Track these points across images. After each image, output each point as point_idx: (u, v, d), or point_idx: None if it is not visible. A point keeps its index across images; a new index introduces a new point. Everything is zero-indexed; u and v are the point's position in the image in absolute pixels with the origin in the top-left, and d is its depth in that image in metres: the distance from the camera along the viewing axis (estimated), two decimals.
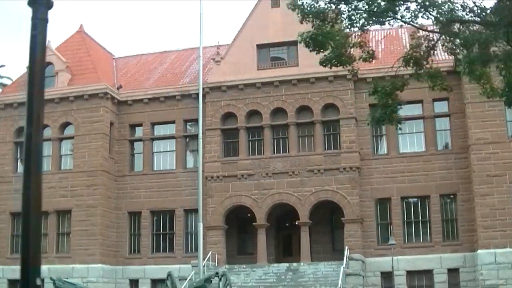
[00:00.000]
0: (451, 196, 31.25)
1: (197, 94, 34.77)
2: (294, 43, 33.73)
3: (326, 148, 32.44)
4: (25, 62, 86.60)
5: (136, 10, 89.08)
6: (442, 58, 32.75)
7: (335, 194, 31.41)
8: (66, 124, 35.25)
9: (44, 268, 32.21)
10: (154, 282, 33.42)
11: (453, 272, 30.01)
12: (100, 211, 33.44)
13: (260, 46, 34.35)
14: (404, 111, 32.05)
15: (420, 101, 32.27)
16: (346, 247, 29.91)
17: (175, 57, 40.79)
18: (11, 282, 33.92)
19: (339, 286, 26.11)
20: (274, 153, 32.96)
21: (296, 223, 32.34)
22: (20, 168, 35.88)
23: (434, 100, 32.11)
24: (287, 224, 34.51)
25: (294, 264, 30.23)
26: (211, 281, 20.87)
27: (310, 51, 15.98)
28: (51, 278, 24.22)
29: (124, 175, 35.14)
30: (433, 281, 30.20)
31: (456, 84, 31.43)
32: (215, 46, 40.87)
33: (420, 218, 31.55)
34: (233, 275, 29.64)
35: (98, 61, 38.33)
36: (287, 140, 33.08)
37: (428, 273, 30.33)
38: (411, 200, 31.74)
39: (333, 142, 32.72)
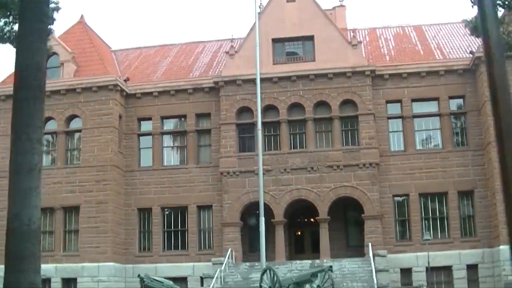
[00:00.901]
0: (469, 193, 31.53)
1: (210, 88, 34.09)
2: (310, 38, 33.69)
3: (344, 144, 32.25)
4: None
5: (127, 3, 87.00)
6: (457, 56, 33.18)
7: (354, 190, 31.26)
8: (72, 117, 33.91)
9: (50, 267, 31.11)
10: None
11: (472, 268, 30.30)
12: (111, 207, 32.30)
13: (275, 41, 33.88)
14: (421, 108, 32.50)
15: (436, 99, 32.49)
16: (369, 244, 29.79)
17: (178, 51, 39.87)
18: None
19: (375, 282, 25.94)
20: (290, 148, 32.57)
21: (312, 219, 32.18)
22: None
23: (450, 97, 32.38)
24: (298, 220, 34.20)
25: (317, 261, 29.89)
26: (317, 276, 19.99)
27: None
28: (139, 276, 23.01)
29: (133, 170, 34.07)
30: (452, 277, 30.42)
31: (472, 82, 31.88)
32: (218, 41, 40.33)
33: (437, 214, 31.73)
34: (255, 273, 29.07)
35: (101, 53, 37.05)
36: (305, 136, 32.75)
37: (447, 269, 30.53)
38: (429, 196, 31.84)
39: (351, 138, 32.55)
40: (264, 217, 32.47)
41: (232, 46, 34.46)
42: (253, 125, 33.04)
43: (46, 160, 33.98)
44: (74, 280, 31.76)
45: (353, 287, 26.72)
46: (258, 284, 26.37)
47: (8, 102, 34.11)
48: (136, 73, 36.86)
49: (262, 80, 32.56)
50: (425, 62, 32.90)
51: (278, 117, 32.75)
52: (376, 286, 20.56)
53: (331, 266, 20.64)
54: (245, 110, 33.31)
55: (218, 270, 28.44)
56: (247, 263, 30.27)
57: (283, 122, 32.68)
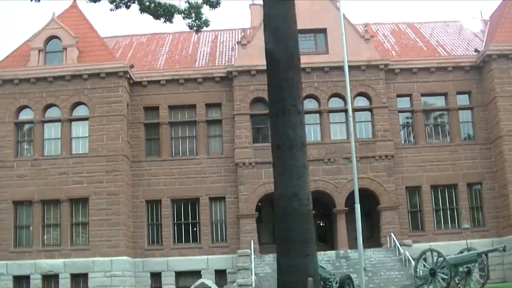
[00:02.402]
0: (477, 185, 32.80)
1: (221, 78, 33.46)
2: (322, 31, 33.86)
3: (358, 136, 32.62)
4: (21, 33, 78.08)
5: None
6: (461, 54, 34.41)
7: (371, 182, 31.70)
8: (77, 104, 32.17)
9: (58, 262, 29.60)
10: (179, 274, 31.56)
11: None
12: (123, 199, 30.94)
13: None
14: (429, 103, 33.42)
15: (445, 94, 33.55)
16: (392, 234, 30.35)
17: (172, 40, 38.80)
18: (17, 278, 30.34)
19: (414, 269, 26.42)
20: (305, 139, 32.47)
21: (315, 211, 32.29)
22: (22, 151, 32.33)
23: (458, 93, 33.54)
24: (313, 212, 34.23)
25: (341, 251, 30.07)
26: (481, 256, 19.58)
27: None
28: None
29: (140, 160, 32.81)
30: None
31: (479, 78, 33.20)
32: (212, 31, 39.66)
33: (447, 205, 32.77)
34: None
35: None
36: (319, 127, 32.84)
37: None
38: (440, 188, 32.82)
39: (364, 131, 32.99)
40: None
41: (244, 36, 33.96)
42: (268, 115, 32.75)
43: (48, 149, 32.18)
44: (84, 276, 30.12)
45: (391, 276, 27.07)
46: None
47: (5, 87, 32.15)
48: (135, 61, 35.46)
49: None
50: (434, 58, 33.89)
51: None
52: (419, 274, 20.87)
53: (504, 246, 20.11)
54: (258, 101, 32.94)
55: (252, 262, 27.91)
56: (270, 255, 29.89)
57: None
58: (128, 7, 14.44)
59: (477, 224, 32.42)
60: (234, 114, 32.49)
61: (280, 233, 10.63)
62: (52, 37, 33.00)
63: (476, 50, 33.81)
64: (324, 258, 29.41)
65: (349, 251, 30.06)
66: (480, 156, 32.71)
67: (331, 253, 30.00)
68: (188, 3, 14.60)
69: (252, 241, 30.26)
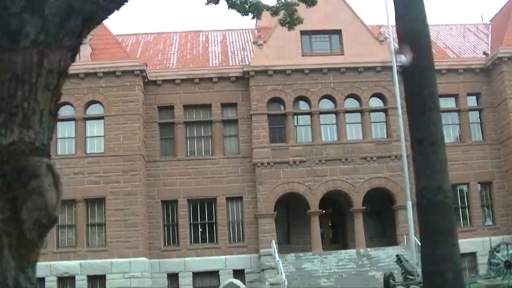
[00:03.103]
0: (488, 184, 33.56)
1: (236, 77, 33.36)
2: (337, 32, 34.13)
3: (374, 136, 32.97)
4: None
5: None
6: (472, 56, 35.19)
7: (387, 181, 32.09)
8: (91, 103, 31.54)
9: (75, 264, 28.91)
10: (196, 275, 31.23)
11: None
12: (141, 199, 30.47)
13: (302, 33, 33.84)
14: (441, 103, 34.00)
15: (455, 95, 34.23)
16: (410, 232, 30.69)
17: (180, 39, 38.44)
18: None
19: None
20: (321, 139, 32.71)
21: (324, 211, 32.63)
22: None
23: (468, 94, 34.27)
24: (323, 211, 34.34)
25: (361, 249, 30.28)
26: None
27: None
28: (397, 255, 21.46)
29: (155, 160, 32.36)
30: (476, 262, 32.19)
31: (487, 80, 34.01)
32: (218, 31, 39.56)
33: (459, 204, 33.40)
34: (306, 263, 29.00)
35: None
36: (336, 127, 33.03)
37: (472, 255, 32.23)
38: (452, 187, 33.36)
39: (379, 131, 33.37)
40: (297, 208, 32.47)
41: (259, 36, 33.92)
42: (285, 115, 32.87)
43: (61, 148, 31.44)
44: (102, 277, 29.53)
45: (419, 272, 27.33)
46: (317, 273, 26.32)
47: None
48: (145, 60, 34.97)
49: (293, 71, 32.63)
50: (445, 60, 34.52)
51: (310, 108, 32.76)
52: (494, 265, 21.45)
53: None
54: (275, 101, 32.96)
55: (278, 261, 27.81)
56: (292, 254, 29.92)
57: (315, 113, 32.74)
58: (217, 2, 14.44)
59: (487, 222, 33.15)
60: (252, 114, 32.41)
61: (424, 226, 10.73)
62: None
63: (484, 53, 34.63)
64: (346, 256, 29.63)
65: (368, 249, 30.32)
66: (490, 156, 33.50)
67: (352, 251, 30.20)
68: (277, 0, 14.60)
69: (273, 241, 30.19)
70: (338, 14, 34.05)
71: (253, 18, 14.54)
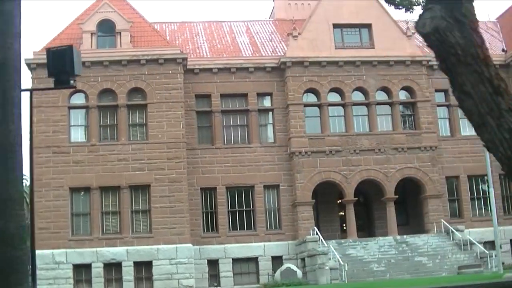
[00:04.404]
0: (505, 175, 35.37)
1: (272, 68, 34.05)
2: (366, 26, 35.33)
3: (403, 128, 34.31)
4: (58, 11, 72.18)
5: None
6: (492, 53, 36.93)
7: (418, 171, 33.50)
8: (134, 90, 31.63)
9: (121, 250, 29.39)
10: (235, 261, 31.89)
11: None
12: (185, 186, 30.87)
13: (334, 26, 34.80)
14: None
15: None
16: (442, 220, 32.32)
17: (205, 30, 38.69)
18: (77, 267, 29.53)
19: (477, 252, 28.66)
20: (355, 130, 33.81)
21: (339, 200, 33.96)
22: (74, 136, 31.39)
23: None
24: (339, 202, 35.46)
25: (398, 237, 31.59)
26: None
27: None
28: None
29: (194, 148, 32.74)
30: (497, 250, 34.03)
31: (507, 76, 35.85)
32: (239, 22, 40.09)
33: (481, 194, 35.18)
34: (350, 249, 30.09)
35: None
36: (367, 118, 34.18)
37: (492, 243, 34.05)
38: (473, 178, 35.18)
39: (408, 123, 34.74)
40: (325, 196, 33.52)
41: (294, 28, 34.64)
42: (320, 106, 33.80)
43: (103, 134, 31.48)
44: (148, 264, 29.84)
45: (459, 258, 28.88)
46: (365, 259, 27.50)
47: None
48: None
49: (328, 63, 33.59)
50: None
51: (344, 100, 33.78)
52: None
53: None
54: (309, 92, 33.83)
55: (330, 247, 28.77)
56: (333, 240, 30.93)
57: (349, 104, 33.80)
58: None
59: (507, 212, 35.06)
60: (289, 104, 33.19)
61: None
62: (105, 21, 32.18)
63: (503, 50, 36.45)
64: (386, 243, 30.87)
65: (405, 236, 31.66)
66: None
67: (389, 238, 31.48)
68: None
69: (316, 228, 31.15)
70: (368, 9, 35.16)
71: (406, 11, 15.32)
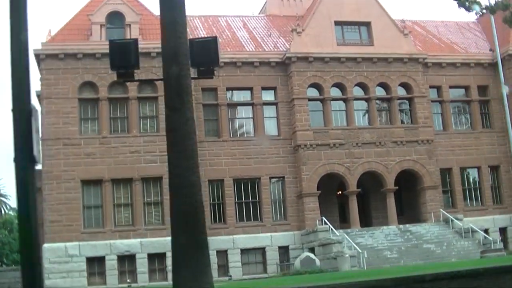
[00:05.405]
0: (496, 168, 37.37)
1: (276, 63, 34.75)
2: (366, 24, 36.56)
3: (400, 123, 35.67)
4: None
5: None
6: (476, 52, 38.83)
7: (415, 163, 34.94)
8: (144, 82, 31.64)
9: (135, 242, 29.70)
10: (242, 251, 32.47)
11: (502, 230, 36.12)
12: None
13: (336, 23, 35.82)
14: (452, 94, 37.48)
15: (467, 87, 37.74)
16: (441, 210, 33.86)
17: (203, 24, 39.04)
18: (90, 259, 29.45)
19: (480, 239, 30.23)
20: (355, 124, 34.92)
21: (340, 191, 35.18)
22: (85, 129, 31.22)
23: (478, 86, 37.88)
24: (338, 193, 36.57)
25: (401, 226, 32.90)
26: None
27: None
28: None
29: (201, 141, 32.98)
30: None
31: (494, 74, 37.84)
32: (234, 17, 40.58)
33: (472, 185, 36.99)
34: (358, 238, 31.15)
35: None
36: (368, 113, 35.38)
37: (485, 232, 35.86)
38: (464, 170, 36.95)
39: (405, 117, 36.14)
40: (325, 187, 34.50)
41: (298, 24, 35.43)
42: (323, 100, 34.75)
43: (114, 126, 31.45)
44: (161, 255, 30.04)
45: (464, 245, 30.39)
46: (376, 247, 28.63)
47: (67, 61, 30.98)
48: None
49: (331, 59, 34.61)
50: (460, 55, 37.96)
51: (346, 95, 34.84)
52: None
53: None
54: (313, 86, 34.73)
55: (345, 236, 29.73)
56: (341, 230, 31.92)
57: (351, 99, 34.89)
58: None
59: (497, 202, 36.98)
60: (294, 98, 33.99)
61: None
62: (114, 13, 32.12)
63: (490, 50, 38.35)
64: (391, 232, 32.12)
65: (407, 225, 33.03)
66: (497, 142, 37.31)
67: (393, 227, 32.75)
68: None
69: (323, 218, 32.07)
70: (368, 8, 36.35)
71: (476, 14, 16.35)
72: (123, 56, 11.18)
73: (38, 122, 3.99)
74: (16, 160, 3.85)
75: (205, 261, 9.18)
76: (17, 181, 3.83)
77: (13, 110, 3.89)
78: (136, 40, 11.48)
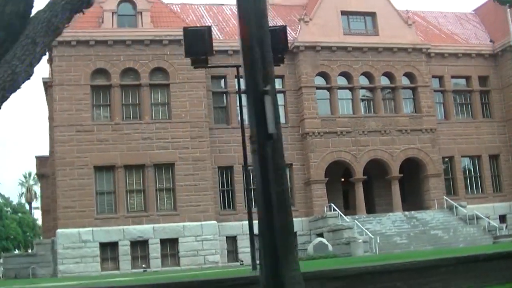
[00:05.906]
0: (496, 157, 38.27)
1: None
2: (371, 14, 37.10)
3: (405, 111, 36.32)
4: None
5: None
6: (476, 43, 39.61)
7: (419, 152, 35.68)
8: (156, 69, 31.89)
9: (148, 228, 30.11)
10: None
11: (502, 217, 37.07)
12: (209, 165, 31.58)
13: (342, 13, 36.27)
14: (454, 84, 38.26)
15: (469, 77, 38.52)
16: (444, 197, 34.67)
17: (208, 12, 39.26)
18: (104, 245, 29.70)
19: (485, 225, 31.05)
20: (362, 112, 35.50)
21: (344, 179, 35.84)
22: (97, 115, 31.30)
23: (479, 77, 38.67)
24: (342, 180, 37.18)
25: (406, 212, 33.65)
26: None
27: None
28: None
29: (211, 128, 33.40)
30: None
31: (495, 65, 38.68)
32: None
33: (473, 174, 37.85)
34: (367, 224, 31.79)
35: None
36: (373, 102, 35.97)
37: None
38: (465, 159, 37.79)
39: (409, 106, 36.81)
40: (329, 175, 35.06)
41: (305, 14, 35.81)
42: (330, 89, 35.25)
43: (126, 113, 31.62)
44: (174, 241, 30.45)
45: (470, 231, 31.20)
46: (385, 233, 29.32)
47: (79, 48, 31.04)
48: None
49: (338, 48, 35.10)
50: (461, 45, 38.67)
51: (352, 84, 35.38)
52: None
53: None
54: (320, 75, 35.20)
55: (355, 222, 30.35)
56: (348, 216, 32.53)
57: (357, 88, 35.44)
58: None
59: (497, 190, 37.90)
60: (301, 86, 34.44)
61: None
62: (125, 0, 32.19)
63: (491, 41, 39.15)
64: (397, 219, 32.84)
65: (412, 212, 33.78)
66: (497, 132, 38.20)
67: (398, 214, 33.50)
68: None
69: (332, 204, 32.66)
70: None
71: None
72: (198, 43, 11.50)
73: (271, 101, 4.35)
74: (252, 137, 4.22)
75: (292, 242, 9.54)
76: (255, 157, 4.20)
77: (247, 91, 4.25)
78: (209, 28, 11.85)
